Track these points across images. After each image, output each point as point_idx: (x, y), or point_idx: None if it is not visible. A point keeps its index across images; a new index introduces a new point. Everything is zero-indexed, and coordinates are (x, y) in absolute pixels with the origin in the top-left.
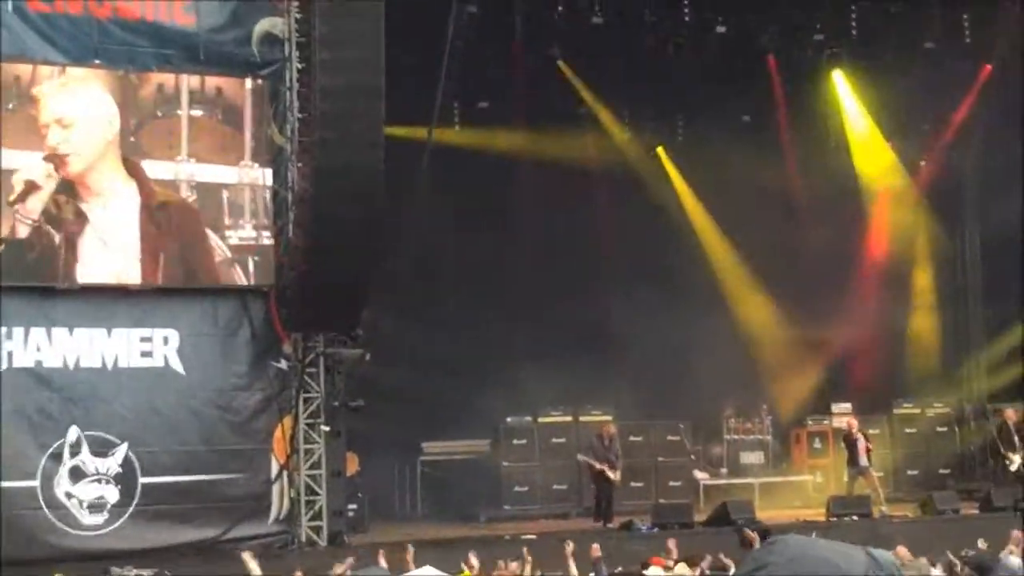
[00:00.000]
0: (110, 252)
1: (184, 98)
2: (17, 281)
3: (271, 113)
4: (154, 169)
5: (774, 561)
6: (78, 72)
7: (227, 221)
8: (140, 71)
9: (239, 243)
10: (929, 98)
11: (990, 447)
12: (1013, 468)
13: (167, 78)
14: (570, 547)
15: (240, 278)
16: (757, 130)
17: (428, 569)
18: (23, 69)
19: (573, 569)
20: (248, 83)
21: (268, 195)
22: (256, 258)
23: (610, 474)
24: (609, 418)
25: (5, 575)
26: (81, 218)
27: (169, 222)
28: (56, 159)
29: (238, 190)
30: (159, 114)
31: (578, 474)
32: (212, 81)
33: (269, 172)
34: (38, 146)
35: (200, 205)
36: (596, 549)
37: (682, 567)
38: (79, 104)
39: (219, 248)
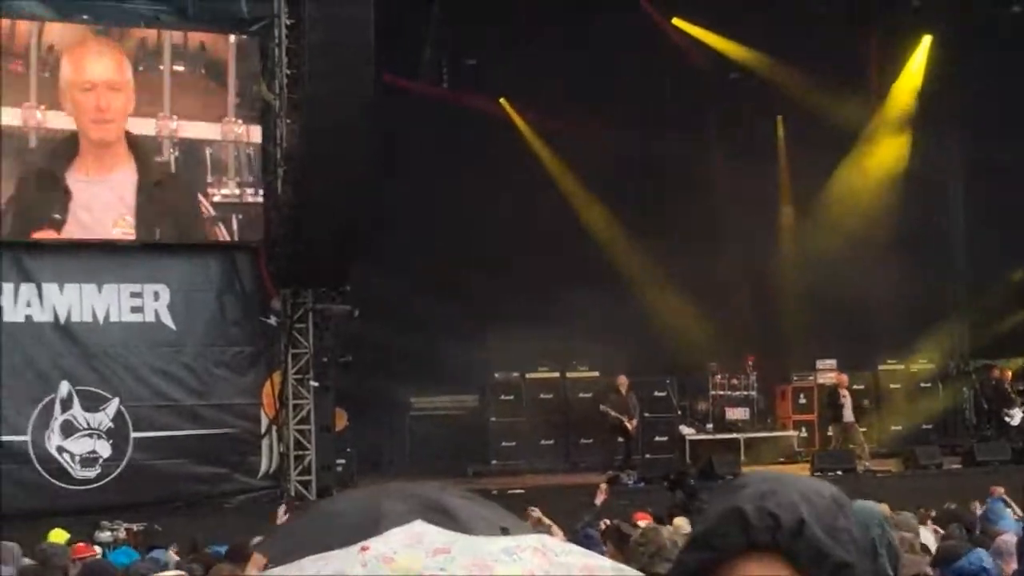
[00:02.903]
0: (104, 211)
1: (167, 54)
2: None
3: (259, 69)
4: (136, 126)
5: (753, 480)
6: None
7: (210, 179)
8: (127, 27)
9: (222, 200)
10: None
11: (980, 403)
12: (1015, 423)
13: (150, 33)
14: (536, 511)
15: (224, 235)
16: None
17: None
18: (37, 29)
19: (551, 524)
20: (232, 38)
21: (252, 152)
22: (239, 216)
23: (628, 425)
24: (592, 372)
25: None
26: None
27: (163, 187)
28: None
29: (222, 147)
30: (140, 69)
31: (565, 429)
32: (195, 36)
33: (255, 129)
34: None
35: (183, 163)
36: (604, 490)
37: (681, 520)
38: (105, 67)
39: (204, 206)
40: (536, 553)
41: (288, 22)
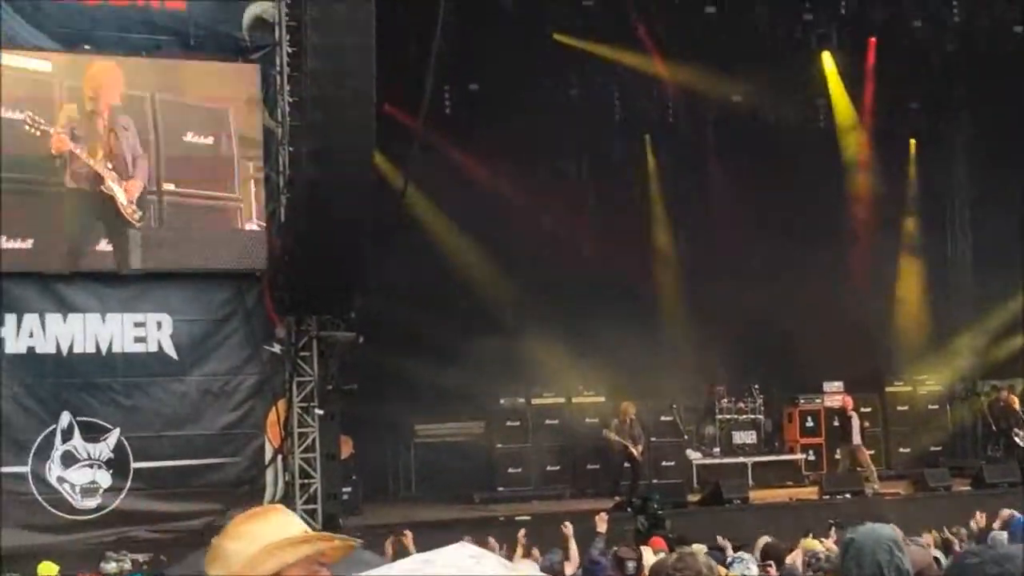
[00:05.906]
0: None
1: None
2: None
3: (261, 97)
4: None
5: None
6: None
7: None
8: (130, 56)
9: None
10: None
11: (988, 424)
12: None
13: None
14: (569, 528)
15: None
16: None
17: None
18: None
19: (574, 548)
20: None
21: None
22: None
23: (633, 451)
24: (598, 397)
25: None
26: None
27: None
28: None
29: None
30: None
31: (572, 455)
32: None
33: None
34: None
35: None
36: (603, 519)
37: (698, 546)
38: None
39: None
40: None
41: (290, 49)
